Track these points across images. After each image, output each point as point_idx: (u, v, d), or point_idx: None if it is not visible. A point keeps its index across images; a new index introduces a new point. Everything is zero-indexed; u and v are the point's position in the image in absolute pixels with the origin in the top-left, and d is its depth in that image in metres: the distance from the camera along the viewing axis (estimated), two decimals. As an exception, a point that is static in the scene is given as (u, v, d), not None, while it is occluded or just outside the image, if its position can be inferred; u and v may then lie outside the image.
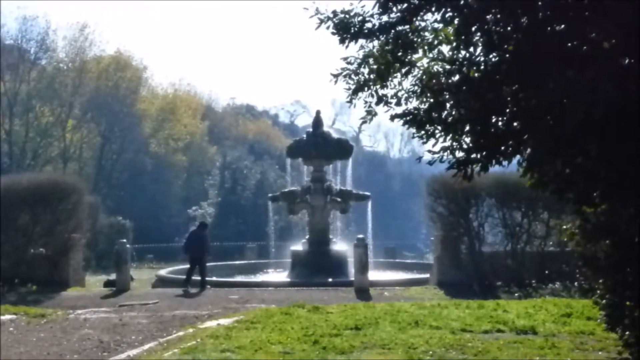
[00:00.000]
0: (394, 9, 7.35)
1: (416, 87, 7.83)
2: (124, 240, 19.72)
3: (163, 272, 23.09)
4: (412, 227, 66.52)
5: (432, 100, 7.52)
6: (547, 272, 17.14)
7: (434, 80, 7.46)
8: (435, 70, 7.74)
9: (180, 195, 49.15)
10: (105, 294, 17.56)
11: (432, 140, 7.38)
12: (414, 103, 7.88)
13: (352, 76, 8.13)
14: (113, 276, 19.61)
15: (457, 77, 7.26)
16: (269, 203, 26.47)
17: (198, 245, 18.73)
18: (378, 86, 8.02)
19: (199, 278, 18.42)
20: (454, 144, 7.29)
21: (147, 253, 34.53)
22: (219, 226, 42.18)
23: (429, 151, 7.22)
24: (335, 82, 8.19)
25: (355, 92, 8.15)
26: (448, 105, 7.32)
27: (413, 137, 7.84)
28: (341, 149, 24.55)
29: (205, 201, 47.23)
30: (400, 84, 8.03)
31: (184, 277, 18.88)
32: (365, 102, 8.17)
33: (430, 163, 7.33)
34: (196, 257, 18.60)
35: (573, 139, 6.32)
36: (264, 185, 46.71)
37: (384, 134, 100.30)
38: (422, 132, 7.43)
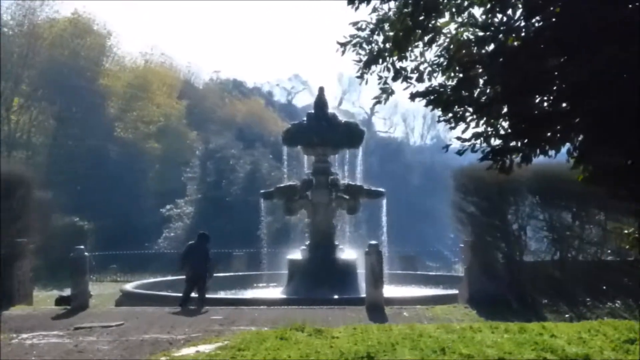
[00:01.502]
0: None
1: (442, 59, 7.82)
2: (82, 247, 19.67)
3: (129, 286, 23.09)
4: (436, 230, 66.37)
5: (461, 74, 7.50)
6: (604, 287, 17.09)
7: (463, 51, 7.45)
8: (465, 38, 7.73)
9: (153, 191, 49.29)
10: (57, 313, 17.55)
11: (462, 125, 7.37)
12: (439, 78, 7.87)
13: (364, 45, 8.11)
14: (68, 291, 19.57)
15: (491, 47, 7.24)
16: (261, 200, 26.48)
17: (198, 262, 18.49)
18: (395, 58, 8.00)
19: (195, 295, 18.39)
20: (489, 128, 7.28)
21: (111, 262, 34.63)
22: (199, 229, 42.22)
23: (458, 138, 7.22)
24: (343, 52, 8.16)
25: (367, 65, 8.13)
26: (481, 81, 7.31)
27: (438, 121, 7.85)
28: (350, 134, 24.58)
29: (182, 198, 47.38)
30: (422, 55, 8.02)
31: (164, 293, 18.87)
32: (380, 78, 8.15)
33: (460, 153, 7.31)
34: (195, 277, 18.44)
35: (634, 124, 6.28)
36: (256, 178, 46.77)
37: (402, 116, 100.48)
38: (450, 114, 7.42)
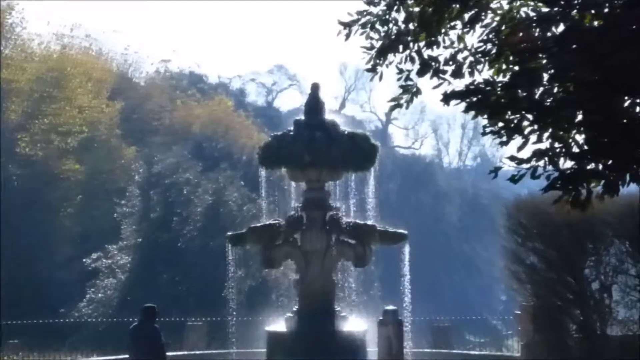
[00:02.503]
0: None
1: (488, 45, 7.85)
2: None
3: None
4: (481, 289, 66.38)
5: (516, 67, 7.55)
6: None
7: (520, 34, 7.50)
8: (523, 15, 7.78)
9: (73, 232, 49.13)
10: None
11: (517, 138, 7.40)
12: (484, 73, 7.92)
13: (377, 26, 8.15)
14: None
15: (560, 28, 7.29)
16: (228, 247, 26.39)
17: (146, 349, 18.85)
18: (422, 43, 8.04)
19: None
20: (556, 144, 7.30)
21: (13, 334, 34.41)
22: (139, 287, 42.00)
23: (512, 158, 7.23)
24: (347, 36, 8.19)
25: (381, 54, 8.16)
26: (545, 76, 7.35)
27: (483, 133, 7.86)
28: (356, 151, 24.52)
29: (115, 244, 47.23)
30: (460, 39, 8.06)
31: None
32: (400, 71, 8.17)
33: (514, 179, 7.31)
34: None
35: None
36: (220, 215, 46.69)
37: (432, 125, 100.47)
38: (500, 123, 7.45)
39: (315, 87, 25.67)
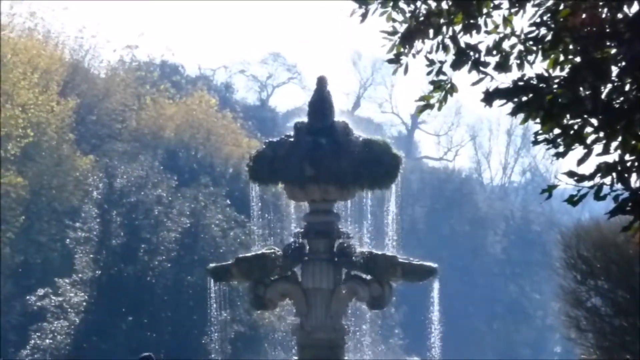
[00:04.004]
0: None
1: (542, 30, 7.84)
2: None
3: None
4: (530, 338, 66.26)
5: (578, 58, 7.53)
6: None
7: (582, 15, 7.49)
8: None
9: (13, 263, 49.18)
10: None
11: (578, 148, 7.39)
12: (536, 65, 7.89)
13: (402, 4, 8.13)
14: None
15: (634, 8, 7.28)
16: (210, 282, 26.47)
17: None
18: (458, 27, 8.03)
19: None
20: (627, 156, 7.28)
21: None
22: (97, 333, 41.98)
23: (570, 173, 7.21)
24: (364, 17, 8.19)
25: (406, 40, 8.16)
26: (614, 69, 7.33)
27: (535, 142, 7.82)
28: (373, 163, 24.54)
29: (67, 277, 47.19)
30: (507, 22, 8.05)
31: None
32: (430, 62, 8.16)
33: (573, 200, 7.29)
34: None
35: None
36: (199, 242, 46.70)
37: (470, 131, 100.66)
38: (557, 129, 7.43)
39: (321, 82, 25.67)
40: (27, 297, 45.75)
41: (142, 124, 64.30)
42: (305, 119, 25.25)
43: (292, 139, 24.84)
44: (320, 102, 25.21)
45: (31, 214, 51.62)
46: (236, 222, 47.42)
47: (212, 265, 26.48)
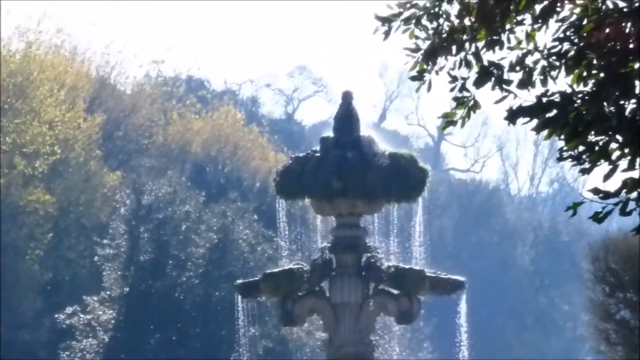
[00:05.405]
0: None
1: (565, 45, 7.80)
2: None
3: None
4: (560, 350, 65.94)
5: (603, 73, 7.48)
6: None
7: (606, 29, 7.45)
8: (611, 5, 7.73)
9: (42, 280, 49.27)
10: None
11: (603, 165, 7.34)
12: (560, 81, 7.84)
13: (425, 21, 8.11)
14: None
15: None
16: (237, 298, 26.49)
17: None
18: (481, 43, 7.99)
19: None
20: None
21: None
22: (125, 350, 42.01)
23: (596, 190, 7.16)
24: (387, 34, 8.16)
25: (429, 57, 8.13)
26: (638, 84, 7.28)
27: (560, 158, 7.81)
28: (400, 177, 24.52)
29: (96, 295, 47.22)
30: (529, 38, 8.00)
31: None
32: (453, 79, 8.12)
33: (599, 217, 7.24)
34: None
35: None
36: (227, 257, 46.71)
37: (497, 143, 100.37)
38: (581, 146, 7.39)
39: (347, 96, 25.65)
40: (56, 315, 45.80)
41: (169, 139, 64.45)
42: (331, 132, 25.26)
43: (318, 153, 24.86)
44: (346, 116, 25.21)
45: (59, 231, 51.76)
46: (264, 237, 47.46)
47: (239, 281, 26.51)
